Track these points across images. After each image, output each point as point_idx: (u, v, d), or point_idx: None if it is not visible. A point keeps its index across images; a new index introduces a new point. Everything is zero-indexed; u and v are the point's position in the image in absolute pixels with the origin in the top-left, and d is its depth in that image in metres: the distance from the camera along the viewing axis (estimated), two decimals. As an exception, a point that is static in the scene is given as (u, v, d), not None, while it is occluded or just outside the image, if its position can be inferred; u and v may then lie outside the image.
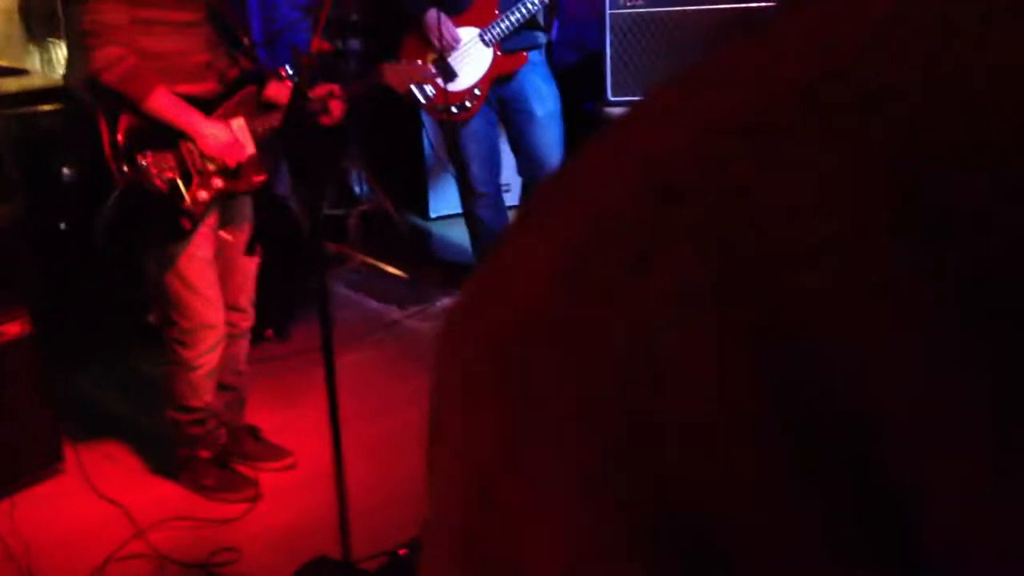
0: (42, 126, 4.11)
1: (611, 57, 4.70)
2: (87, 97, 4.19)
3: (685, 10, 4.60)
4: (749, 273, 0.25)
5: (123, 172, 2.62)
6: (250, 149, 2.75)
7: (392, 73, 3.06)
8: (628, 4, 4.65)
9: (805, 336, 0.25)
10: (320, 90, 2.80)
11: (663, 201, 0.28)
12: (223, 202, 2.83)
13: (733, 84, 0.29)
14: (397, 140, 5.21)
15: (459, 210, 4.40)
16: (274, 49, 4.99)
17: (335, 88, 2.84)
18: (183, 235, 2.69)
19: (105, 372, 3.80)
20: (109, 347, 3.90)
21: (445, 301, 4.38)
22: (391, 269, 4.66)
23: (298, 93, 2.43)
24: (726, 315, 0.25)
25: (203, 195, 2.70)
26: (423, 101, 3.86)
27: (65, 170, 3.98)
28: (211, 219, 2.79)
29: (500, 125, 4.08)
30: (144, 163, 2.62)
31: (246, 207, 2.97)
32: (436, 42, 3.73)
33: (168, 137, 2.64)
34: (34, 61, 4.99)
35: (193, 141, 2.66)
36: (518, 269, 0.32)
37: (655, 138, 0.30)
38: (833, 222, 0.25)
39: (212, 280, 2.82)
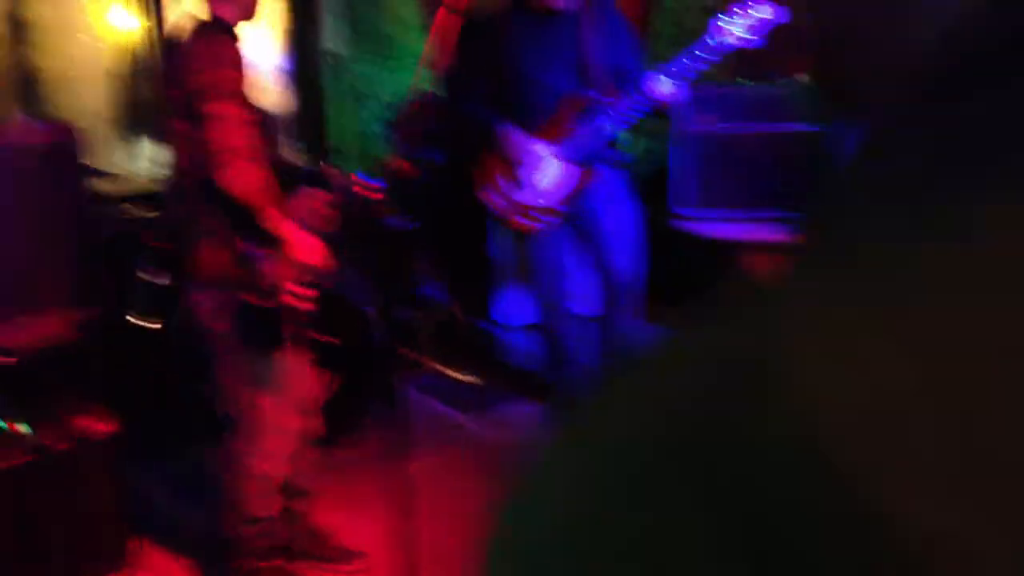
0: (129, 227, 4.28)
1: (688, 172, 4.76)
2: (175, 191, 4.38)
3: (752, 129, 4.66)
4: None
5: (243, 282, 2.76)
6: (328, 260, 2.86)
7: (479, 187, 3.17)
8: (701, 121, 4.73)
9: None
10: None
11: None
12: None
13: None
14: (469, 246, 5.29)
15: (530, 318, 4.43)
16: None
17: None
18: (281, 342, 2.78)
19: (175, 470, 3.87)
20: (179, 445, 3.98)
21: (513, 408, 4.39)
22: (460, 374, 4.69)
23: (367, 206, 2.52)
24: None
25: (299, 303, 2.80)
26: (497, 214, 3.94)
27: (148, 270, 4.12)
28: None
29: (573, 238, 4.12)
30: (260, 275, 2.75)
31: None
32: (511, 156, 3.82)
33: (268, 250, 2.76)
34: (121, 158, 5.24)
35: (290, 251, 2.76)
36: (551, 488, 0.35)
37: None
38: None
39: (302, 393, 2.90)
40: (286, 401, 2.88)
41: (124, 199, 4.45)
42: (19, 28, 4.79)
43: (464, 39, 3.83)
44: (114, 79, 5.20)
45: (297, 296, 2.80)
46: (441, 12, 2.40)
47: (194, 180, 2.75)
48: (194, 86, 2.66)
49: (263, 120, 2.84)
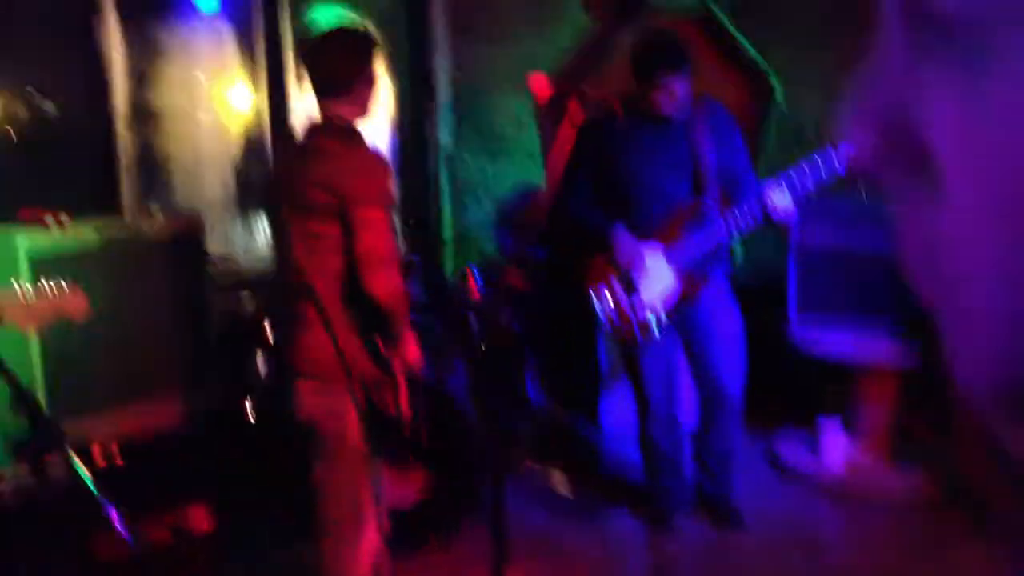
0: (241, 313, 4.34)
1: (797, 284, 4.69)
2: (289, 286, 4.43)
3: (870, 244, 4.58)
4: None
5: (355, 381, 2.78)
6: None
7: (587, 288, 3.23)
8: (817, 233, 4.66)
9: None
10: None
11: None
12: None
13: None
14: (574, 350, 5.24)
15: (633, 424, 4.35)
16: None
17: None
18: (388, 444, 2.85)
19: (274, 567, 3.84)
20: (279, 541, 3.96)
21: (613, 520, 4.28)
22: (560, 481, 4.61)
23: (483, 314, 2.53)
24: None
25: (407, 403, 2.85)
26: (603, 316, 3.89)
27: (258, 360, 4.16)
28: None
29: (680, 346, 4.05)
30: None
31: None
32: (621, 259, 3.78)
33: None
34: (239, 235, 5.35)
35: (405, 352, 2.84)
36: None
37: None
38: None
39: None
40: (385, 503, 2.87)
41: (240, 286, 4.52)
42: (147, 117, 4.97)
43: (579, 142, 3.84)
44: (234, 159, 5.35)
45: (406, 398, 2.80)
46: (564, 126, 2.41)
47: (316, 278, 2.77)
48: (347, 191, 2.68)
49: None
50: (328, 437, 2.84)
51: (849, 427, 4.81)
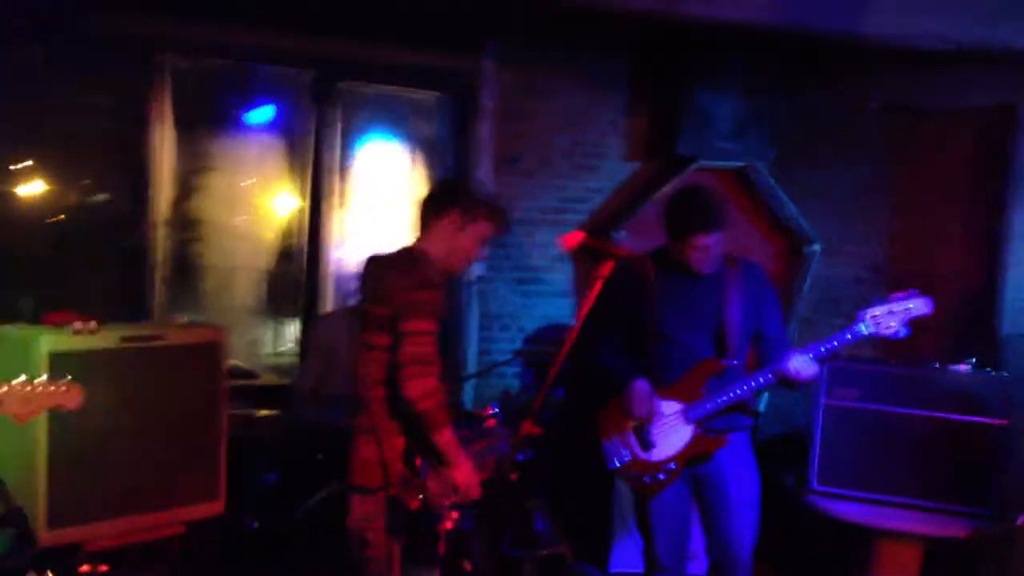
0: (258, 428, 4.35)
1: (820, 446, 4.63)
2: (301, 408, 4.44)
3: (898, 411, 4.54)
4: None
5: (414, 485, 2.87)
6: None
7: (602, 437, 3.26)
8: (842, 396, 4.62)
9: None
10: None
11: None
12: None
13: None
14: (586, 490, 5.17)
15: (640, 569, 4.25)
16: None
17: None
18: (436, 557, 2.91)
19: None
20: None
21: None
22: (560, 625, 4.48)
23: (503, 468, 2.54)
24: None
25: (448, 524, 2.96)
26: (618, 466, 3.84)
27: (270, 474, 4.16)
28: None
29: (693, 500, 3.98)
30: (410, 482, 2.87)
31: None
32: (638, 413, 3.75)
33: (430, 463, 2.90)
34: (266, 336, 5.40)
35: (454, 474, 2.90)
36: None
37: None
38: None
39: None
40: None
41: (256, 397, 4.54)
42: (187, 224, 5.09)
43: (608, 289, 3.85)
44: (269, 269, 5.43)
45: (448, 516, 2.92)
46: (596, 282, 2.44)
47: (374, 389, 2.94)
48: (399, 304, 2.88)
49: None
50: (362, 545, 2.93)
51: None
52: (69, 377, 2.42)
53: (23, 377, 2.39)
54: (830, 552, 5.04)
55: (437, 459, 2.89)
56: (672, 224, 3.75)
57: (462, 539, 3.83)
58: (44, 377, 2.39)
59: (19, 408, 2.32)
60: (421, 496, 2.88)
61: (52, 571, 2.15)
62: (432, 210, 3.11)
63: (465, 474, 2.91)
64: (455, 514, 2.97)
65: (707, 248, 3.69)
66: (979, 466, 4.44)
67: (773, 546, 4.21)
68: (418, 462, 2.90)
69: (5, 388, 2.32)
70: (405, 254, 3.05)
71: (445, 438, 2.87)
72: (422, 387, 2.81)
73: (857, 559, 4.75)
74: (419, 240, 3.11)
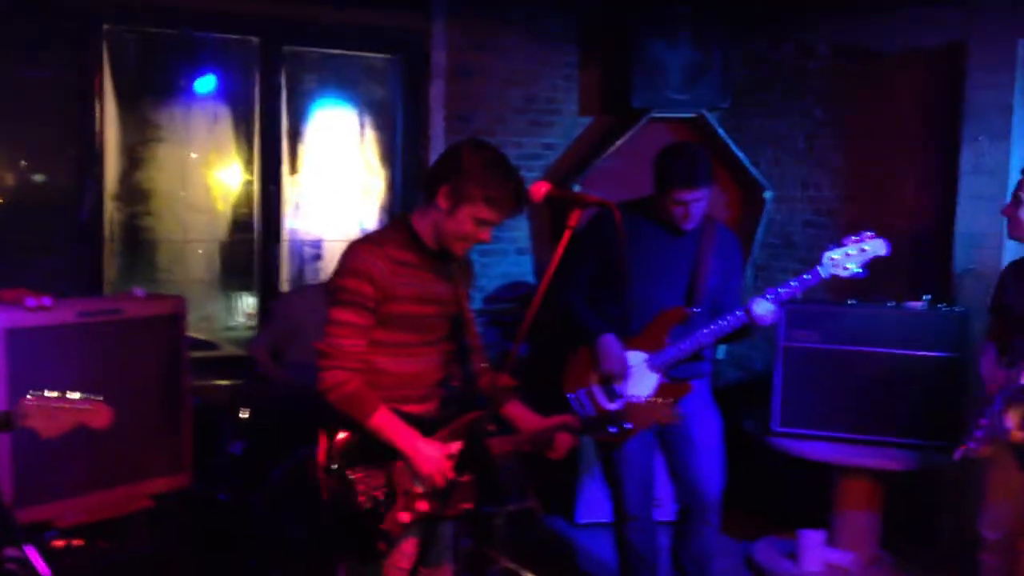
0: (220, 398, 4.33)
1: (781, 388, 4.70)
2: (266, 367, 4.41)
3: (856, 350, 4.61)
4: None
5: (330, 485, 2.63)
6: (465, 475, 2.71)
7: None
8: (801, 338, 4.68)
9: None
10: (552, 421, 2.82)
11: None
12: (427, 527, 2.76)
13: None
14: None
15: (607, 518, 4.30)
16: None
17: (568, 420, 2.86)
18: (376, 556, 2.64)
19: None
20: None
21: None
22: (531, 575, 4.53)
23: (481, 422, 2.48)
24: None
25: (404, 517, 2.66)
26: (583, 417, 3.86)
27: (235, 443, 4.14)
28: (410, 542, 2.73)
29: (657, 448, 4.03)
30: (352, 478, 2.63)
31: (447, 537, 2.92)
32: (606, 365, 3.77)
33: (382, 456, 2.64)
34: (221, 310, 5.35)
35: (407, 461, 2.64)
36: None
37: None
38: None
39: None
40: None
41: (216, 369, 4.52)
42: (136, 196, 5.01)
43: (582, 240, 3.84)
44: (222, 241, 5.38)
45: (411, 505, 2.67)
46: (568, 234, 2.41)
47: None
48: (328, 288, 2.71)
49: None
50: (346, 554, 2.80)
51: (828, 532, 4.76)
52: (101, 398, 2.36)
53: (54, 393, 2.33)
54: (793, 492, 5.14)
55: (390, 454, 2.65)
56: (657, 177, 3.76)
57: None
58: (77, 394, 2.34)
59: (42, 424, 2.28)
60: (353, 488, 2.63)
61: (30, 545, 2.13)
62: (428, 182, 2.76)
63: (420, 456, 2.63)
64: (421, 504, 2.67)
65: (687, 204, 3.70)
66: (935, 400, 4.54)
67: (736, 490, 4.28)
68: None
69: (33, 401, 2.27)
70: (379, 232, 2.82)
71: (374, 425, 2.61)
72: (329, 379, 2.60)
73: (820, 497, 4.85)
74: (415, 212, 2.80)
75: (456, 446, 2.72)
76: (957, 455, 3.71)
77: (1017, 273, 3.73)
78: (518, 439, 2.81)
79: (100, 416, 2.35)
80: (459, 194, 2.64)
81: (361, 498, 2.62)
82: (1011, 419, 3.51)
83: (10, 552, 2.46)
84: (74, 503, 2.94)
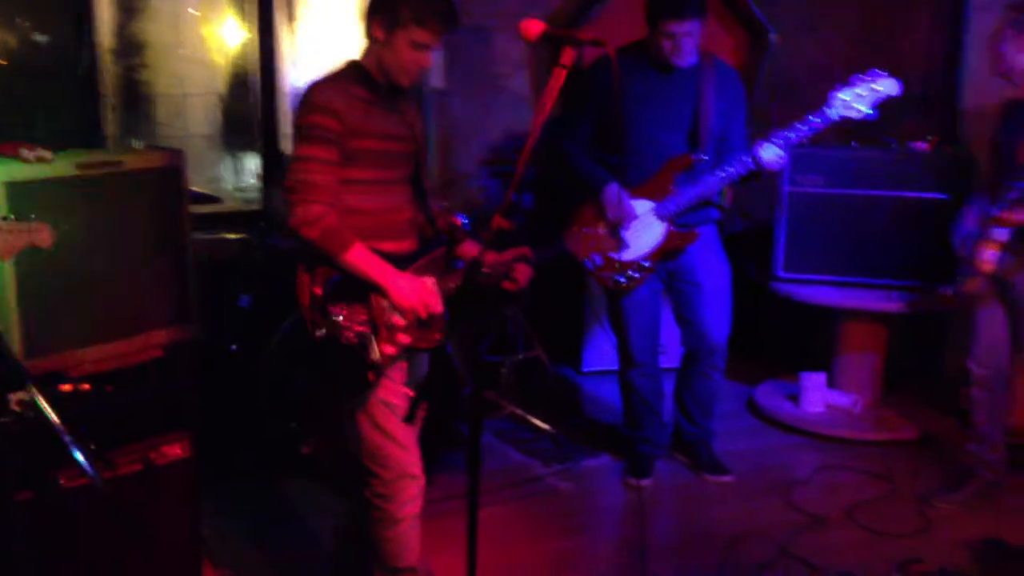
0: (226, 252, 4.34)
1: (785, 233, 4.69)
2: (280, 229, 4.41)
3: (860, 194, 4.58)
4: None
5: (317, 323, 2.69)
6: (438, 307, 2.76)
7: (575, 241, 3.09)
8: (806, 182, 4.64)
9: None
10: (509, 254, 2.85)
11: None
12: (409, 356, 2.86)
13: None
14: (558, 293, 5.25)
15: (612, 367, 4.38)
16: (450, 196, 5.17)
17: (526, 251, 2.88)
18: (367, 386, 2.73)
19: (254, 499, 3.89)
20: (261, 474, 4.01)
21: (590, 462, 4.32)
22: (539, 423, 4.64)
23: (476, 264, 2.51)
24: None
25: (389, 349, 2.72)
26: (591, 268, 3.89)
27: (243, 296, 4.18)
28: (399, 370, 2.81)
29: (664, 295, 4.06)
30: (338, 316, 2.69)
31: (423, 366, 3.00)
32: (612, 214, 3.76)
33: (362, 292, 2.70)
34: (226, 170, 5.33)
35: (385, 295, 2.70)
36: None
37: None
38: None
39: (407, 429, 2.82)
40: (408, 442, 2.83)
41: (222, 223, 4.52)
42: (133, 49, 4.92)
43: (580, 85, 3.78)
44: (222, 96, 5.31)
45: (394, 338, 2.74)
46: (557, 72, 2.35)
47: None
48: (293, 126, 2.72)
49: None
50: (341, 389, 2.87)
51: (829, 375, 4.84)
52: (33, 217, 2.42)
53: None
54: (796, 337, 5.20)
55: (369, 290, 2.70)
56: (647, 11, 3.67)
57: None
58: (13, 218, 2.38)
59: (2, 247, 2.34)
60: (339, 325, 2.68)
61: (36, 387, 2.18)
62: (365, 18, 2.77)
63: (398, 290, 2.69)
64: (403, 337, 2.73)
65: (679, 36, 3.62)
66: (937, 242, 4.53)
67: (741, 337, 4.34)
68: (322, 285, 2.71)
69: None
70: (334, 72, 2.80)
71: (349, 260, 2.64)
72: (302, 214, 2.60)
73: (822, 342, 4.91)
74: (363, 52, 2.82)
75: (430, 280, 2.78)
76: (946, 291, 3.75)
77: (1008, 111, 3.66)
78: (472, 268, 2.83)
79: (44, 236, 2.40)
80: (391, 21, 2.67)
81: (348, 334, 2.68)
82: (983, 251, 3.54)
83: (19, 396, 2.51)
84: (83, 353, 2.98)
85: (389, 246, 2.77)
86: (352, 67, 2.80)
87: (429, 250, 2.90)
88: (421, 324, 2.76)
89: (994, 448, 3.86)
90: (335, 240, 2.64)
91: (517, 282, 2.89)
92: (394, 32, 2.68)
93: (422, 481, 2.86)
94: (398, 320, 2.73)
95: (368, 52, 2.78)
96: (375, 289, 2.70)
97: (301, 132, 2.67)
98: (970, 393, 3.85)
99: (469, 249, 2.95)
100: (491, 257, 2.85)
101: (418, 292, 2.72)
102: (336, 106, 2.65)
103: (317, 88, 2.71)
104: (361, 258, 2.67)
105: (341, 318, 2.69)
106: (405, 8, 2.65)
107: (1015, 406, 4.03)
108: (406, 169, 2.87)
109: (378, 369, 2.71)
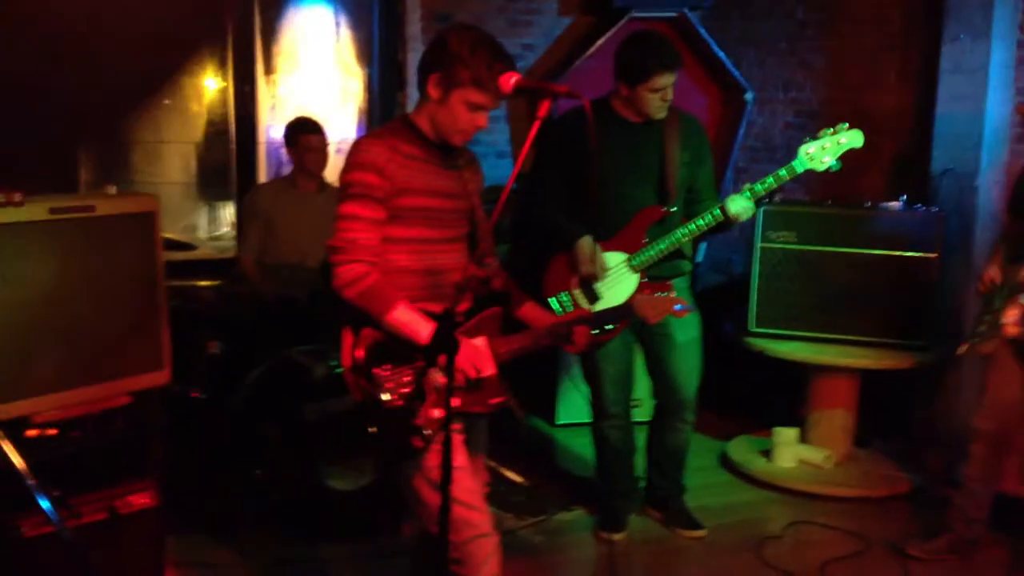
0: (198, 299, 4.32)
1: (758, 289, 4.72)
2: (251, 274, 4.40)
3: (833, 250, 4.63)
4: None
5: (360, 385, 2.57)
6: (490, 369, 2.64)
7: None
8: (778, 238, 4.69)
9: None
10: (569, 315, 2.82)
11: None
12: (466, 421, 2.74)
13: None
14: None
15: (586, 419, 4.36)
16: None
17: (585, 314, 2.85)
18: (413, 453, 2.58)
19: (220, 549, 3.83)
20: (226, 520, 3.95)
21: (563, 515, 4.29)
22: (512, 475, 4.61)
23: (446, 314, 2.42)
24: None
25: (437, 413, 2.56)
26: (564, 317, 3.87)
27: (212, 345, 4.15)
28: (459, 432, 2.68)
29: (637, 347, 4.06)
30: (381, 376, 2.56)
31: (483, 433, 2.91)
32: (585, 268, 3.77)
33: (408, 353, 2.57)
34: (201, 218, 5.32)
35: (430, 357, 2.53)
36: None
37: None
38: None
39: (473, 487, 2.70)
40: (475, 501, 2.68)
41: (196, 271, 4.50)
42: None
43: (551, 139, 3.81)
44: (198, 144, 5.32)
45: (440, 401, 2.54)
46: (536, 125, 2.36)
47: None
48: (340, 182, 2.64)
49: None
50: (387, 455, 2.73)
51: (802, 431, 4.84)
52: None
53: None
54: (769, 393, 5.21)
55: (416, 351, 2.54)
56: (630, 68, 3.70)
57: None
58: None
59: None
60: (387, 391, 2.54)
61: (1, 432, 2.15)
62: (419, 74, 2.67)
63: (464, 357, 2.54)
64: (453, 399, 2.44)
65: (666, 89, 3.67)
66: (912, 300, 4.58)
67: (714, 392, 4.33)
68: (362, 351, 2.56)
69: None
70: (382, 128, 2.73)
71: (392, 321, 2.52)
72: (344, 275, 2.52)
73: (795, 397, 4.92)
74: (415, 109, 2.73)
75: (481, 340, 2.65)
76: (960, 351, 3.78)
77: None
78: (537, 333, 2.78)
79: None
80: (448, 80, 2.57)
81: (392, 396, 2.55)
82: (1009, 315, 3.58)
83: None
84: (50, 399, 2.93)
85: (439, 307, 2.59)
86: (402, 122, 2.72)
87: (483, 309, 2.79)
88: (472, 386, 2.64)
89: (980, 508, 3.86)
90: (377, 301, 2.53)
91: (577, 344, 2.83)
92: (450, 92, 2.58)
93: (496, 538, 2.72)
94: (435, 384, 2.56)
95: (421, 108, 2.68)
96: (422, 350, 2.54)
97: (344, 190, 2.59)
98: (971, 449, 3.86)
99: (528, 311, 2.88)
100: (549, 318, 2.81)
101: (467, 353, 2.58)
102: (378, 161, 2.56)
103: (361, 144, 2.63)
104: (405, 319, 2.54)
105: (383, 377, 2.56)
106: (464, 69, 2.55)
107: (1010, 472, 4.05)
108: (458, 228, 2.76)
109: (424, 434, 2.56)
